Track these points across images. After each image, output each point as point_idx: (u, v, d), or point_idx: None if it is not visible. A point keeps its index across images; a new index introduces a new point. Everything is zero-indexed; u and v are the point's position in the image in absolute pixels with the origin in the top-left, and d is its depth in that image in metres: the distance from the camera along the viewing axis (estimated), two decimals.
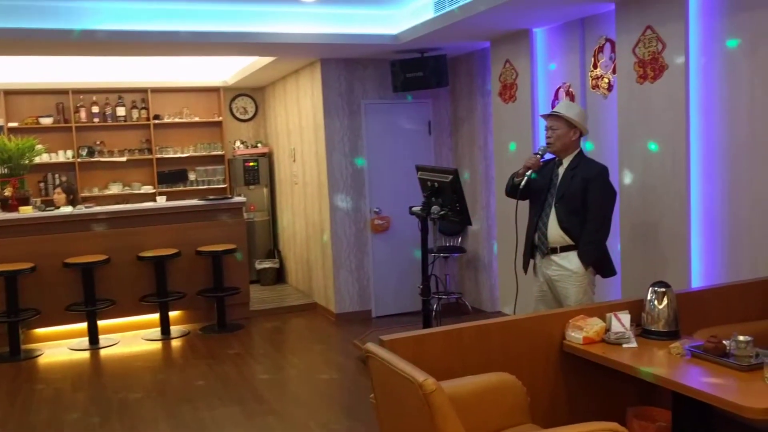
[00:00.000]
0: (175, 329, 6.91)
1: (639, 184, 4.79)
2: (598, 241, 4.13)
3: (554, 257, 4.17)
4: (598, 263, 4.19)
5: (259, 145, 9.29)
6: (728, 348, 3.01)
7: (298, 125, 7.89)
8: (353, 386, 5.15)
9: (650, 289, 3.45)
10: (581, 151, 4.27)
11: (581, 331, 3.35)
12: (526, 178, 4.17)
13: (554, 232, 4.14)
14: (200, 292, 7.03)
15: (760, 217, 4.06)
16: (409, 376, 2.43)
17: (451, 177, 4.36)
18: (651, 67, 4.63)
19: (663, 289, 3.41)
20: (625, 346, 3.30)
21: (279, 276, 9.00)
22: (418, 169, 4.78)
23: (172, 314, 6.97)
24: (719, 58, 4.24)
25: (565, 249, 4.15)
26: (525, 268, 4.35)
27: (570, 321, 3.42)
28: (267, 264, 8.88)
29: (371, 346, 2.86)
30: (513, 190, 4.29)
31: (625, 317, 3.44)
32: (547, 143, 4.23)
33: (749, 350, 2.95)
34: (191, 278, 7.06)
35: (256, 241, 9.06)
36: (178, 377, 5.53)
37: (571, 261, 4.13)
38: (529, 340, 3.37)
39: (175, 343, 6.60)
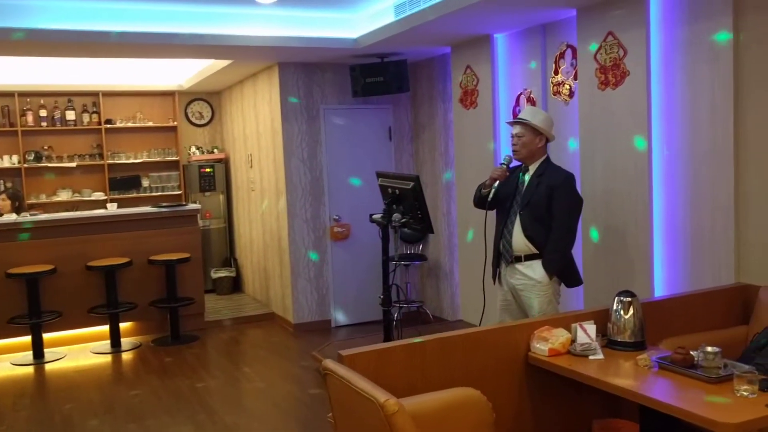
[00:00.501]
0: (125, 342, 6.64)
1: (601, 192, 4.74)
2: (563, 249, 4.06)
3: (518, 266, 4.08)
4: (563, 272, 4.12)
5: (215, 150, 9.06)
6: (696, 359, 2.95)
7: (256, 130, 7.70)
8: (311, 401, 4.98)
9: (616, 298, 3.37)
10: (548, 158, 4.19)
11: (547, 343, 3.26)
12: (493, 189, 4.10)
13: (519, 240, 4.06)
14: (153, 303, 6.78)
15: (721, 224, 4.03)
16: (370, 395, 2.29)
17: (412, 184, 4.24)
18: (612, 74, 4.59)
19: (629, 299, 3.34)
20: (591, 357, 3.21)
21: (236, 285, 8.77)
22: (379, 175, 4.65)
23: (123, 326, 6.70)
24: (680, 65, 4.22)
25: (529, 258, 4.06)
26: (493, 277, 4.25)
27: (535, 332, 3.32)
28: (223, 273, 8.65)
29: (329, 364, 2.72)
30: (481, 202, 4.23)
31: (591, 328, 3.36)
32: (513, 151, 4.14)
33: (717, 361, 2.89)
34: (143, 288, 6.80)
35: (212, 249, 8.82)
36: (127, 393, 5.28)
37: (535, 270, 4.04)
38: (493, 353, 3.26)
39: (126, 357, 6.33)
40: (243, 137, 8.23)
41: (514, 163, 4.21)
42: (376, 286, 7.14)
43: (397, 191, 4.38)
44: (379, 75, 6.46)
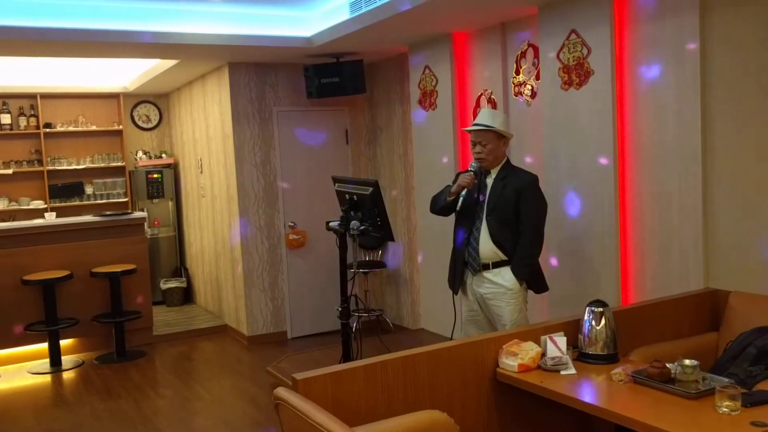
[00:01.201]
0: (67, 360, 6.24)
1: (566, 195, 4.58)
2: (533, 254, 3.89)
3: (487, 274, 3.88)
4: (532, 278, 3.94)
5: (163, 155, 8.67)
6: (674, 373, 2.78)
7: (206, 134, 7.37)
8: (266, 420, 4.70)
9: (587, 309, 3.20)
10: (508, 160, 4.01)
11: (516, 358, 3.06)
12: (461, 198, 3.91)
13: (486, 247, 3.86)
14: (96, 318, 6.39)
15: (689, 227, 3.90)
16: (327, 430, 2.04)
17: (371, 189, 4.00)
18: (576, 73, 4.43)
19: (600, 309, 3.17)
20: (563, 372, 3.03)
21: (186, 296, 8.40)
22: (335, 180, 4.40)
23: (64, 343, 6.29)
24: (646, 64, 4.08)
25: (498, 264, 3.87)
26: (455, 288, 4.03)
27: (504, 347, 3.12)
28: (173, 283, 8.27)
29: (282, 393, 2.46)
30: (445, 210, 4.03)
31: (561, 340, 3.18)
32: (478, 159, 3.93)
33: (696, 375, 2.72)
34: (85, 302, 6.41)
35: (161, 258, 8.43)
36: (66, 417, 4.91)
37: (504, 277, 3.85)
38: (460, 370, 3.05)
39: (67, 376, 5.93)
40: (193, 141, 7.88)
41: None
42: (334, 295, 6.88)
43: (355, 197, 4.14)
44: (334, 76, 6.22)
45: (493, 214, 3.86)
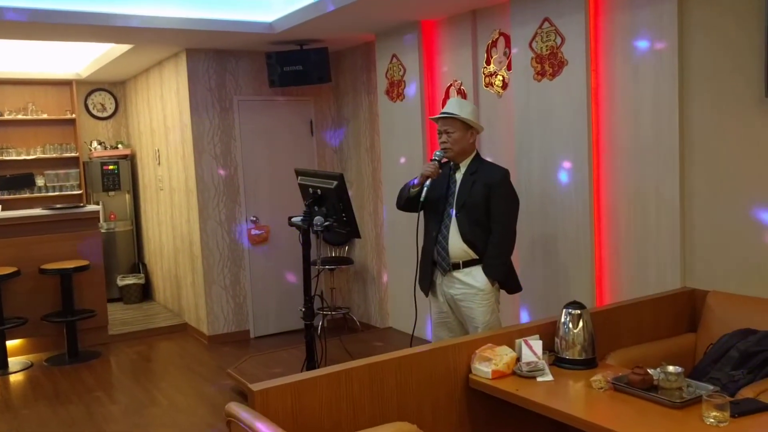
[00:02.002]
0: (14, 362, 5.91)
1: (538, 190, 4.42)
2: (505, 252, 3.71)
3: (457, 274, 3.68)
4: (505, 278, 3.76)
5: (119, 146, 8.31)
6: (656, 380, 2.62)
7: (163, 124, 7.05)
8: (226, 428, 4.45)
9: (564, 310, 3.03)
10: (478, 154, 3.82)
11: (489, 363, 2.87)
12: (425, 189, 3.66)
13: (456, 245, 3.66)
14: (46, 317, 6.06)
15: (666, 224, 3.77)
16: None
17: (335, 183, 3.78)
18: (549, 63, 4.26)
19: (578, 311, 3.00)
20: (539, 379, 2.85)
21: (145, 293, 8.08)
22: (298, 173, 4.17)
23: (11, 344, 5.96)
24: (623, 54, 3.92)
25: (468, 264, 3.67)
26: (425, 289, 3.83)
27: (476, 351, 2.93)
28: (131, 280, 7.94)
29: (234, 409, 2.23)
30: (410, 204, 3.78)
31: (537, 344, 3.01)
32: (443, 149, 3.73)
33: (680, 382, 2.57)
34: (34, 301, 6.07)
35: (118, 253, 8.09)
36: (10, 423, 4.60)
37: (476, 277, 3.66)
38: (430, 377, 2.85)
39: (14, 379, 5.60)
40: (150, 131, 7.55)
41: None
42: (298, 292, 6.61)
43: (318, 191, 3.92)
44: (297, 63, 5.96)
45: (462, 211, 3.66)
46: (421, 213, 3.79)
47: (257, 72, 6.42)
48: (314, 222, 3.79)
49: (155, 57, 6.64)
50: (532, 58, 4.37)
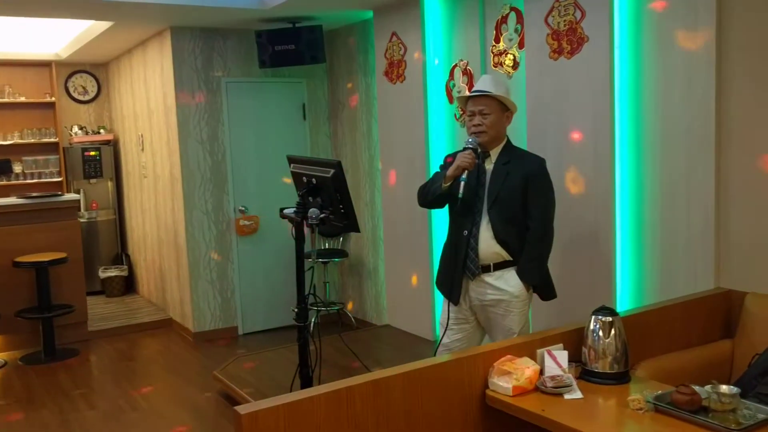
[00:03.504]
0: None
1: (554, 182, 4.03)
2: (545, 254, 3.28)
3: (488, 278, 3.25)
4: (541, 282, 3.33)
5: (102, 131, 7.89)
6: (706, 400, 2.27)
7: (147, 107, 6.64)
8: None
9: (593, 317, 2.67)
10: (509, 140, 3.36)
11: (510, 378, 2.51)
12: (462, 183, 3.17)
13: (488, 246, 3.22)
14: (20, 313, 5.67)
15: (699, 220, 3.41)
16: None
17: (333, 171, 3.38)
18: (567, 40, 3.88)
19: (609, 318, 2.64)
20: (566, 396, 2.49)
21: (128, 285, 7.69)
22: (291, 161, 3.78)
23: None
24: (651, 28, 3.54)
25: (500, 266, 3.25)
26: (456, 297, 3.33)
27: (494, 364, 2.57)
28: (113, 272, 7.54)
29: None
30: (439, 201, 3.33)
31: (562, 354, 2.66)
32: (477, 132, 3.24)
33: (735, 403, 2.21)
34: (8, 296, 5.69)
35: (100, 244, 7.69)
36: None
37: (509, 281, 3.23)
38: (441, 394, 2.49)
39: None
40: (133, 115, 7.14)
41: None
42: (289, 286, 6.23)
43: (313, 180, 3.53)
44: (290, 42, 5.57)
45: (495, 207, 3.22)
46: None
47: (246, 52, 6.01)
48: (309, 214, 3.40)
49: (138, 36, 6.21)
50: (547, 35, 3.99)
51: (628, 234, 3.76)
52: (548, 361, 2.64)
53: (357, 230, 3.53)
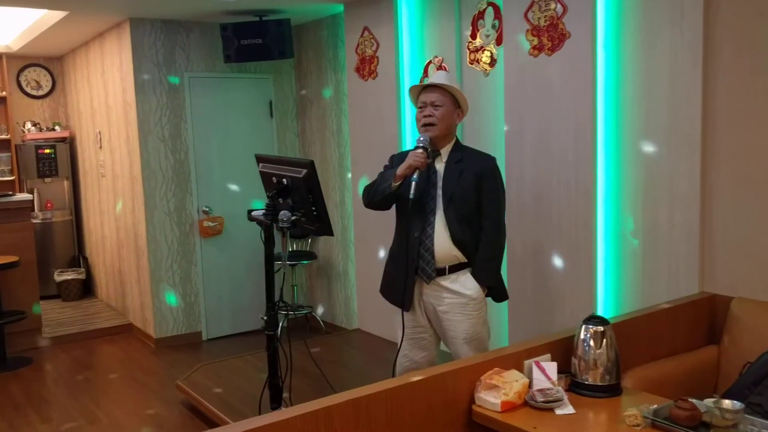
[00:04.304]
0: None
1: (531, 184, 3.92)
2: (501, 253, 3.22)
3: (443, 281, 3.14)
4: (497, 283, 3.25)
5: (57, 127, 7.54)
6: (707, 416, 2.14)
7: (104, 103, 6.34)
8: None
9: (583, 326, 2.53)
10: (458, 140, 3.25)
11: (498, 393, 2.35)
12: (414, 183, 3.03)
13: (444, 247, 3.10)
14: None
15: (681, 220, 3.30)
16: None
17: (305, 171, 3.19)
18: (549, 36, 3.75)
19: (601, 328, 2.50)
20: (558, 411, 2.34)
21: (86, 289, 7.37)
22: (260, 160, 3.57)
23: None
24: (635, 24, 3.43)
25: (455, 269, 3.15)
26: (407, 303, 3.20)
27: (481, 378, 2.41)
28: (70, 275, 7.21)
29: None
30: (386, 201, 3.20)
31: (551, 366, 2.51)
32: (426, 125, 3.13)
33: (738, 419, 2.09)
34: None
35: (56, 246, 7.36)
36: None
37: (465, 284, 3.14)
38: (425, 411, 2.32)
39: None
40: (90, 111, 6.82)
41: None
42: (254, 289, 6.07)
43: (284, 180, 3.33)
44: (257, 36, 5.34)
45: (451, 206, 3.10)
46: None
47: (210, 46, 5.77)
48: (280, 217, 3.20)
49: (95, 27, 5.92)
50: (527, 30, 3.86)
51: (610, 236, 3.64)
52: (536, 373, 2.49)
53: (330, 233, 3.34)
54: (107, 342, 6.03)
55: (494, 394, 2.36)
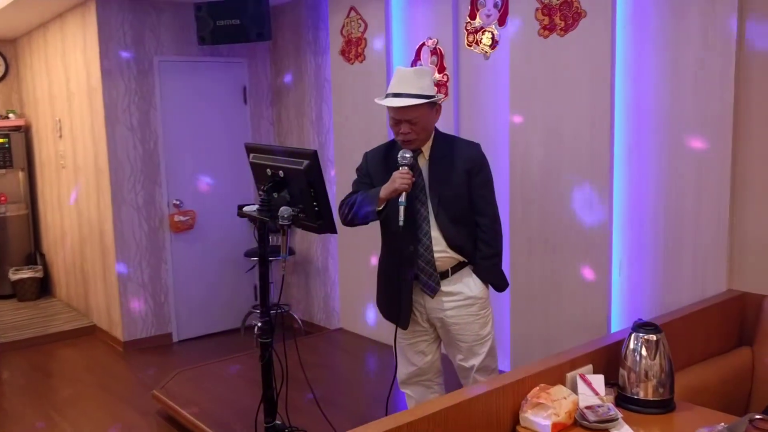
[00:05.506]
0: None
1: (539, 177, 3.67)
2: (500, 249, 2.95)
3: (446, 286, 2.86)
4: (499, 278, 3.01)
5: (11, 115, 7.00)
6: None
7: (66, 89, 5.87)
8: None
9: (633, 334, 2.28)
10: (437, 129, 2.92)
11: (547, 413, 2.09)
12: (402, 207, 2.70)
13: (444, 256, 2.84)
14: None
15: (709, 215, 3.09)
16: None
17: (306, 163, 2.85)
18: (561, 15, 3.49)
19: (654, 337, 2.26)
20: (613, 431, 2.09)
21: (43, 288, 6.88)
22: (251, 150, 3.23)
23: None
24: (659, 2, 3.19)
25: (456, 269, 2.89)
26: (404, 321, 2.91)
27: (527, 396, 2.14)
28: (26, 273, 6.72)
29: None
30: (366, 222, 2.90)
31: (597, 379, 2.26)
32: (405, 141, 2.79)
33: None
34: None
35: (11, 242, 6.85)
36: None
37: (468, 284, 2.88)
38: None
39: None
40: (49, 98, 6.33)
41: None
42: (227, 288, 5.73)
43: (280, 173, 2.99)
44: (233, 17, 4.97)
45: (442, 211, 2.81)
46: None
47: (182, 27, 5.36)
48: (280, 213, 2.87)
49: (54, 7, 5.44)
50: (537, 9, 3.59)
51: (628, 232, 3.41)
52: (582, 388, 2.24)
53: (334, 231, 3.02)
54: (69, 346, 5.60)
55: (543, 414, 2.09)
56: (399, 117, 2.79)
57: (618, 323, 3.45)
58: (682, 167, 3.16)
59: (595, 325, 3.47)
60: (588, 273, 3.50)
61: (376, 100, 2.91)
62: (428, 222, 2.84)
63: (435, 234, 2.84)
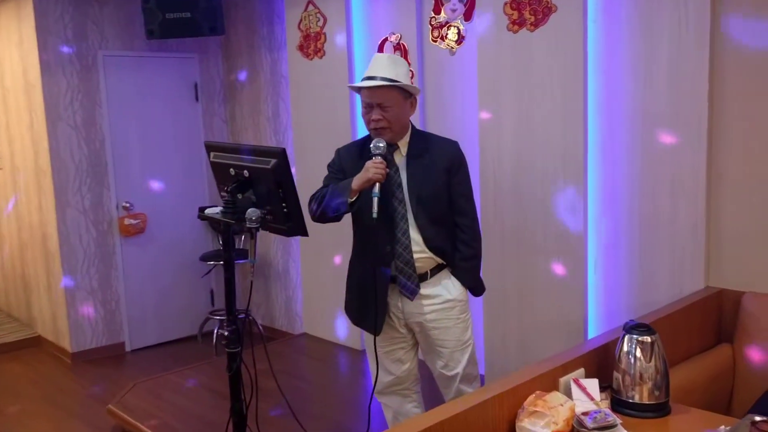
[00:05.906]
0: None
1: (510, 176, 3.59)
2: (480, 251, 2.85)
3: (424, 289, 2.75)
4: (478, 281, 2.92)
5: None
6: None
7: (0, 85, 5.52)
8: None
9: (626, 336, 2.21)
10: (413, 126, 2.82)
11: (544, 421, 1.99)
12: (376, 198, 2.55)
13: (423, 257, 2.72)
14: None
15: (686, 212, 3.06)
16: None
17: (274, 162, 2.69)
18: (531, 9, 3.42)
19: (649, 338, 2.19)
20: None
21: None
22: (211, 148, 3.04)
23: None
24: None
25: (435, 271, 2.78)
26: (378, 327, 2.77)
27: (524, 405, 2.04)
28: None
29: None
30: (338, 217, 2.74)
31: (591, 383, 2.19)
32: (377, 129, 2.67)
33: None
34: None
35: None
36: None
37: (447, 286, 2.77)
38: None
39: None
40: None
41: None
42: (181, 293, 5.50)
43: (245, 173, 2.82)
44: (184, 9, 4.74)
45: (421, 211, 2.70)
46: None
47: (128, 20, 5.10)
48: (248, 215, 2.70)
49: None
50: (505, 4, 3.51)
51: (603, 230, 3.36)
52: (576, 393, 2.16)
53: (304, 233, 2.86)
54: (12, 359, 5.27)
55: (540, 423, 1.99)
56: (369, 100, 2.66)
57: (595, 323, 3.40)
58: (658, 163, 3.12)
59: (571, 327, 3.41)
60: (563, 273, 3.44)
61: (350, 86, 2.78)
62: (406, 221, 2.71)
63: (414, 234, 2.72)
